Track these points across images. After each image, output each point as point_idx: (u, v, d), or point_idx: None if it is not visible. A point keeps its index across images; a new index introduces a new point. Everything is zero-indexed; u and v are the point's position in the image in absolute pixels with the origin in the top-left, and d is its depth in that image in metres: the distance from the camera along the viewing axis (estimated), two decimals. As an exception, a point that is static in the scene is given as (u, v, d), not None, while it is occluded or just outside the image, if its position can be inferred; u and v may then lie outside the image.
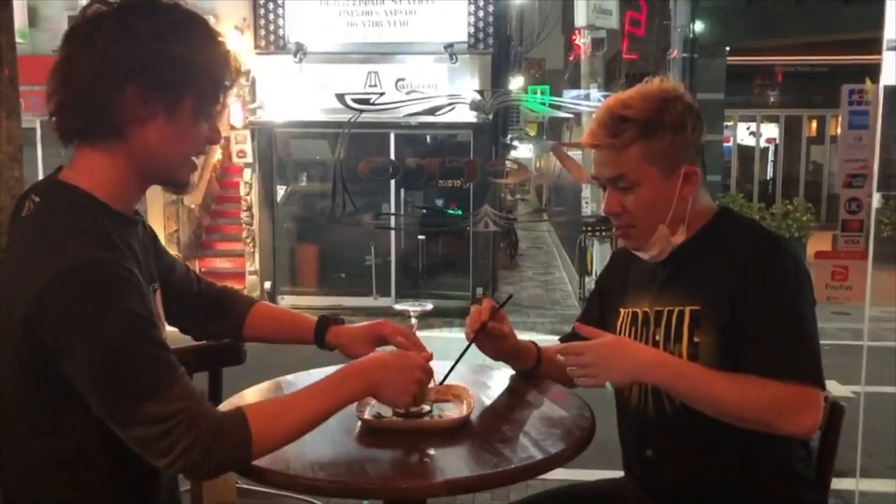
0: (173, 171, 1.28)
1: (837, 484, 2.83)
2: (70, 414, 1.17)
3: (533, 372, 1.70)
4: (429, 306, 1.58)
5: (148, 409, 1.11)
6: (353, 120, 5.47)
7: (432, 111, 5.78)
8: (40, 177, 1.96)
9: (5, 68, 1.68)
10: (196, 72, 1.21)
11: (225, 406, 1.55)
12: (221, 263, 10.17)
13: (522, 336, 1.76)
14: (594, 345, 1.43)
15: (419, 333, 1.55)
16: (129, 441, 1.14)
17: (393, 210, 9.32)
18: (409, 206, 9.82)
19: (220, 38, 1.27)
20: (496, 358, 1.67)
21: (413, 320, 1.56)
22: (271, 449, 1.23)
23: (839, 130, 3.94)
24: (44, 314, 1.10)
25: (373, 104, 5.62)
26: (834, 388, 4.24)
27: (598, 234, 8.75)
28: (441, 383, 1.51)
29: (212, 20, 1.30)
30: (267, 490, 1.70)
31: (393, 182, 8.70)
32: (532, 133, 21.77)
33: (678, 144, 1.47)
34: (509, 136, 16.42)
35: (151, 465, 1.16)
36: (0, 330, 1.16)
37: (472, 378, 1.60)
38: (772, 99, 15.76)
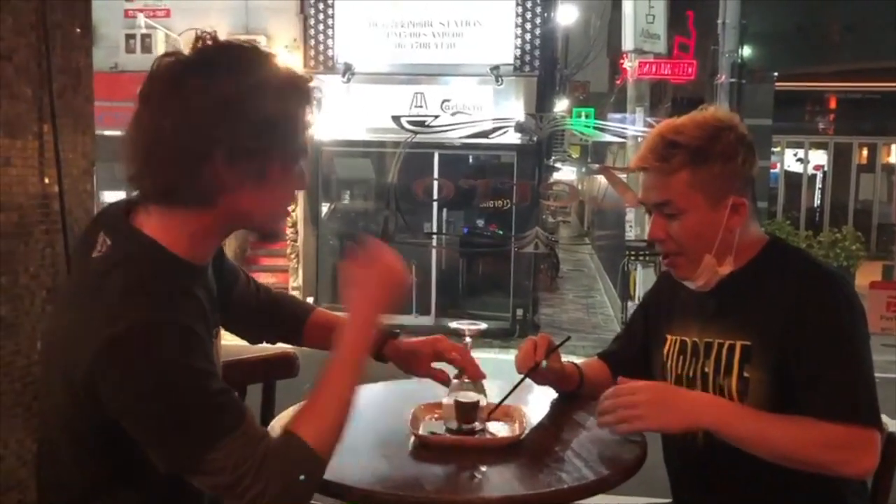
0: (264, 227, 1.25)
1: (890, 520, 2.75)
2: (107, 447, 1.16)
3: (576, 394, 1.70)
4: (483, 326, 1.60)
5: (211, 456, 1.08)
6: (408, 140, 5.57)
7: (484, 134, 5.86)
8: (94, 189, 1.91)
9: (84, 88, 1.76)
10: (284, 133, 1.16)
11: (276, 423, 1.56)
12: (265, 278, 10.29)
13: (563, 359, 1.77)
14: (646, 385, 1.41)
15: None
16: (201, 487, 1.12)
17: (434, 229, 9.37)
18: (452, 225, 9.87)
19: (307, 91, 1.19)
20: (540, 384, 1.67)
21: (467, 339, 1.57)
22: (334, 445, 1.17)
23: (893, 158, 3.89)
24: (99, 376, 1.07)
25: (427, 126, 5.71)
26: (885, 422, 4.12)
27: (641, 258, 8.68)
28: (494, 409, 1.52)
29: (263, 40, 1.29)
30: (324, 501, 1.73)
31: (435, 202, 8.77)
32: (575, 155, 21.72)
33: (727, 174, 1.45)
34: (552, 158, 16.41)
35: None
36: (56, 366, 1.15)
37: (524, 397, 1.61)
38: (821, 125, 15.52)
